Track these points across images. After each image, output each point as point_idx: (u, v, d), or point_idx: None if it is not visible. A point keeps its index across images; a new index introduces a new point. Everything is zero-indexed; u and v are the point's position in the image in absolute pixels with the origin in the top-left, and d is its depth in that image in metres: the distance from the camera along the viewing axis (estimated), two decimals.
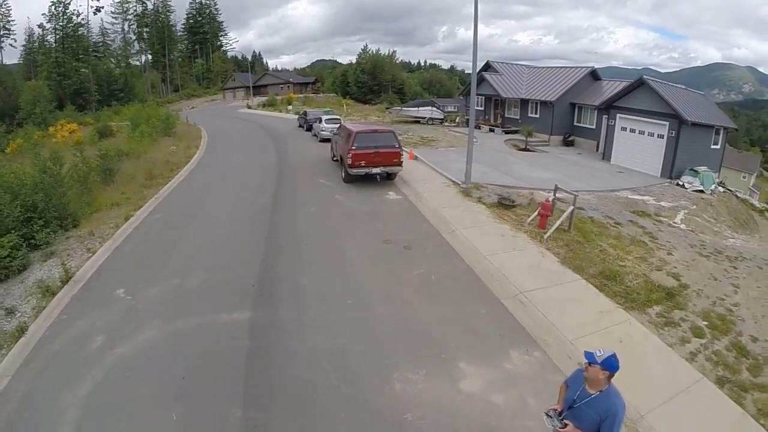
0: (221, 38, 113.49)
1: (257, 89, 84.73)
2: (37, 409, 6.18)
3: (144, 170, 19.36)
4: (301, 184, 17.16)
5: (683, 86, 28.69)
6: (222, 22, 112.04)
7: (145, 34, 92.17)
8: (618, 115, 27.08)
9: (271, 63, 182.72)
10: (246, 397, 5.99)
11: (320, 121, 28.33)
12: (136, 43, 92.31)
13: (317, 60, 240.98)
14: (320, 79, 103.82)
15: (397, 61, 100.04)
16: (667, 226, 16.09)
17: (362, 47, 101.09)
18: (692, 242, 14.36)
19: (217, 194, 16.42)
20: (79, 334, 7.86)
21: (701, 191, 22.41)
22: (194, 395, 6.08)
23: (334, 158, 20.03)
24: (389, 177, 16.85)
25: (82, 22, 66.60)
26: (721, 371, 8.03)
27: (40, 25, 67.21)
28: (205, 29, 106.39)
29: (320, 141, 27.00)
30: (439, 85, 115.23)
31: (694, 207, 20.04)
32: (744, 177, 61.36)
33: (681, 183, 22.87)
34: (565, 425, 3.91)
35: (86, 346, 7.47)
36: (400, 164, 16.27)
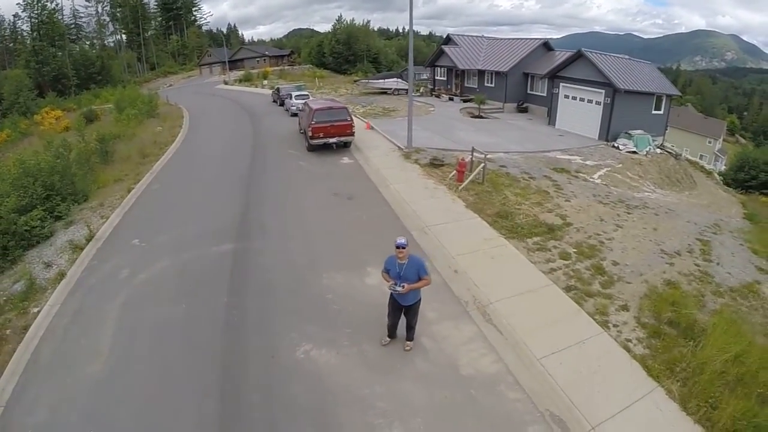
0: (195, 13, 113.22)
1: (233, 64, 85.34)
2: (87, 317, 9.13)
3: (136, 150, 22.14)
4: (272, 153, 20.30)
5: (627, 57, 30.65)
6: None
7: (118, 14, 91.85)
8: (561, 84, 29.56)
9: (248, 34, 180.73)
10: (230, 291, 9.37)
11: (291, 97, 30.94)
12: (110, 24, 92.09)
13: (294, 29, 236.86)
14: (297, 50, 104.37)
15: (375, 29, 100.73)
16: (582, 181, 18.17)
17: (337, 17, 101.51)
18: (597, 193, 16.42)
19: (202, 166, 19.47)
20: (109, 271, 10.89)
21: (634, 152, 24.46)
22: (197, 294, 9.40)
23: (301, 131, 22.98)
24: (345, 145, 19.96)
25: (56, 7, 67.10)
26: (572, 282, 9.80)
27: (16, 15, 67.75)
28: (178, 4, 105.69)
29: (291, 115, 29.60)
30: (416, 52, 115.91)
31: (620, 165, 21.85)
32: (710, 142, 64.05)
33: (616, 145, 25.15)
34: (403, 286, 6.97)
35: (116, 276, 10.54)
36: (352, 134, 19.45)
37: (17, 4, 63.95)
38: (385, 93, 42.50)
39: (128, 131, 26.96)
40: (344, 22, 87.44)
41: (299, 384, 6.89)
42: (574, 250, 11.23)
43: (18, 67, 59.26)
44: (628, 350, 7.77)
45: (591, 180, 18.81)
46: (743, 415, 6.40)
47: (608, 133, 26.00)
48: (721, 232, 14.63)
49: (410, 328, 7.62)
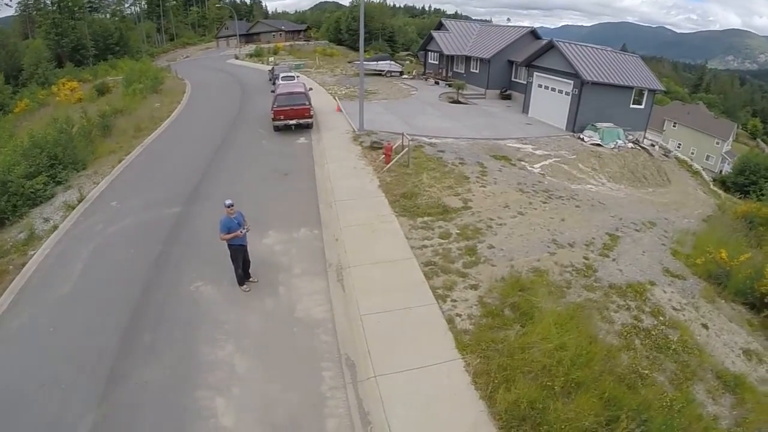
0: None
1: (250, 37, 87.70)
2: (67, 257, 12.36)
3: (133, 125, 25.32)
4: (243, 133, 23.25)
5: (610, 48, 31.09)
6: None
7: None
8: (535, 73, 30.28)
9: (272, 6, 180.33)
10: (165, 242, 12.62)
11: (279, 78, 32.60)
12: None
13: (320, 2, 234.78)
14: (318, 24, 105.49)
15: (400, 6, 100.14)
16: (517, 169, 18.79)
17: None
18: (524, 182, 16.86)
19: (183, 142, 22.67)
20: (89, 225, 14.18)
21: (599, 145, 24.58)
22: (143, 243, 12.64)
23: None
24: (308, 127, 22.52)
25: None
26: (436, 259, 10.68)
27: None
28: None
29: None
30: None
31: (573, 157, 21.99)
32: (717, 143, 62.55)
33: (581, 136, 25.54)
34: (247, 227, 9.92)
35: (93, 229, 13.84)
36: (310, 117, 22.08)
37: None
38: (380, 75, 43.90)
39: (131, 106, 30.02)
40: None
41: (182, 306, 9.99)
42: (458, 231, 12.08)
43: (38, 37, 62.13)
44: (451, 323, 8.65)
45: (529, 169, 19.14)
46: (530, 402, 6.71)
47: (575, 125, 26.53)
48: (647, 230, 14.41)
49: (249, 263, 10.29)
